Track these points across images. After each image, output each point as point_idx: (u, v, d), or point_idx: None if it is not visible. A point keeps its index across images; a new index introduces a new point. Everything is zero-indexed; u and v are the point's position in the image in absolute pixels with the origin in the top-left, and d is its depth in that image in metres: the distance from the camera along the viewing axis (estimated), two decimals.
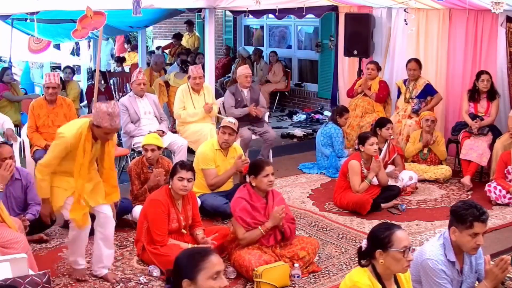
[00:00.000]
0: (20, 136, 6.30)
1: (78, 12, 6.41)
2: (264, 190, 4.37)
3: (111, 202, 4.18)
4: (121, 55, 13.09)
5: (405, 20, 7.60)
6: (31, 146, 5.97)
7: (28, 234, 4.45)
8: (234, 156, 5.59)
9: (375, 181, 5.72)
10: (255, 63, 11.35)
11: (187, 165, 4.44)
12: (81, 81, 11.58)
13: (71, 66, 10.01)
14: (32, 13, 6.24)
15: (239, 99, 7.11)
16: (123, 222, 5.12)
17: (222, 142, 5.56)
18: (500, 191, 5.77)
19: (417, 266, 3.21)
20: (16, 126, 7.14)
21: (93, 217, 4.14)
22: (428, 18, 7.46)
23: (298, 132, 9.14)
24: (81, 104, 9.95)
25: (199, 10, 7.92)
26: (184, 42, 12.66)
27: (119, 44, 14.25)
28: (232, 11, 8.41)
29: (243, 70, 7.22)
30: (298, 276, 4.21)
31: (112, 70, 11.71)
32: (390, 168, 6.19)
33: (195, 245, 4.37)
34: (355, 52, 8.14)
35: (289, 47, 12.13)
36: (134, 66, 10.95)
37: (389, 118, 6.76)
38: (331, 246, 4.84)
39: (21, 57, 10.69)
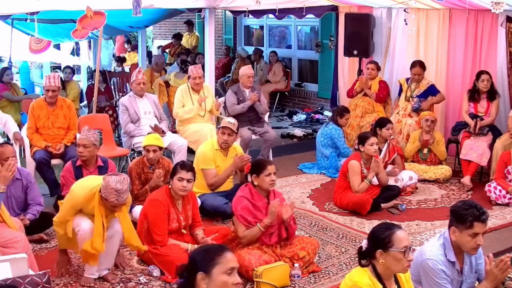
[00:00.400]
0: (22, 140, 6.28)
1: (78, 12, 6.42)
2: (266, 189, 4.37)
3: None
4: (121, 55, 13.09)
5: (405, 20, 7.60)
6: (31, 146, 5.96)
7: (28, 234, 4.45)
8: (234, 156, 5.59)
9: (375, 181, 5.72)
10: (255, 63, 11.34)
11: (187, 166, 4.43)
12: (81, 81, 11.58)
13: (71, 66, 10.01)
14: (32, 13, 6.24)
15: (241, 98, 7.11)
16: None
17: (222, 142, 5.56)
18: (500, 191, 5.77)
19: (417, 266, 3.22)
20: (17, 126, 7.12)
21: None
22: (428, 18, 7.46)
23: (298, 132, 9.14)
24: (81, 104, 9.95)
25: (199, 10, 7.92)
26: (184, 42, 12.66)
27: (119, 44, 14.25)
28: (232, 11, 8.41)
29: (245, 70, 7.22)
30: (298, 276, 4.21)
31: (112, 70, 11.70)
32: (390, 168, 6.19)
33: (196, 246, 4.37)
34: (355, 52, 8.14)
35: (289, 47, 12.13)
36: (134, 66, 10.95)
37: (389, 118, 6.76)
38: (331, 246, 4.84)
39: (21, 57, 10.69)
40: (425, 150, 6.71)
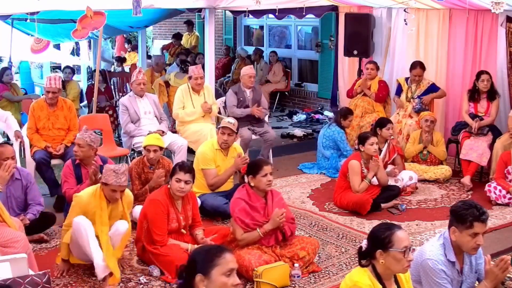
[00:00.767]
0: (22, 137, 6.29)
1: (78, 12, 6.42)
2: (263, 190, 4.36)
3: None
4: (122, 55, 13.09)
5: (405, 20, 7.60)
6: (31, 146, 5.96)
7: (28, 234, 4.45)
8: (235, 156, 5.59)
9: (375, 181, 5.72)
10: (255, 63, 11.34)
11: (186, 167, 4.41)
12: (81, 81, 11.58)
13: (71, 66, 10.01)
14: (32, 13, 6.23)
15: (241, 99, 7.11)
16: None
17: (222, 142, 5.56)
18: (500, 191, 5.77)
19: (417, 266, 3.21)
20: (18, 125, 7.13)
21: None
22: (428, 18, 7.46)
23: (298, 132, 9.14)
24: (81, 104, 9.95)
25: (199, 10, 7.92)
26: (184, 42, 12.66)
27: (119, 44, 14.25)
28: (232, 11, 8.40)
29: (247, 70, 7.22)
30: (298, 276, 4.21)
31: (112, 70, 11.70)
32: (390, 168, 6.19)
33: (195, 246, 4.37)
34: (355, 52, 8.14)
35: (289, 47, 12.13)
36: (134, 66, 10.95)
37: (389, 118, 6.76)
38: (331, 246, 4.83)
39: (22, 57, 10.70)
40: (425, 151, 6.71)
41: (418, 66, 7.11)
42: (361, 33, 8.01)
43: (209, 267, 2.35)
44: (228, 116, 6.82)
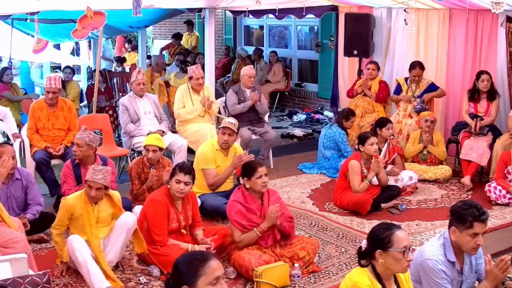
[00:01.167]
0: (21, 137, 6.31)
1: (78, 12, 6.42)
2: (259, 191, 4.35)
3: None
4: (122, 55, 13.09)
5: (405, 20, 7.60)
6: (31, 146, 5.96)
7: (28, 234, 4.45)
8: (233, 156, 5.59)
9: (375, 181, 5.72)
10: (255, 62, 11.35)
11: (186, 168, 4.40)
12: (81, 81, 11.58)
13: (71, 66, 10.01)
14: (32, 13, 6.24)
15: (241, 98, 7.10)
16: None
17: (222, 142, 5.56)
18: (500, 191, 5.77)
19: (417, 266, 3.21)
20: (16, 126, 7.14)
21: None
22: (428, 18, 7.46)
23: (298, 132, 9.13)
24: (81, 104, 9.95)
25: (199, 10, 7.92)
26: (184, 42, 12.66)
27: (119, 44, 14.25)
28: (232, 11, 8.41)
29: (247, 70, 7.21)
30: (298, 276, 4.21)
31: (113, 70, 11.70)
32: (390, 168, 6.19)
33: (196, 246, 4.38)
34: (355, 52, 8.14)
35: (289, 47, 12.13)
36: (134, 66, 10.96)
37: (389, 118, 6.76)
38: (331, 246, 4.83)
39: (22, 57, 10.70)
40: (425, 151, 6.71)
41: (417, 66, 7.11)
42: (361, 33, 8.01)
43: (194, 277, 2.28)
44: (228, 116, 6.82)
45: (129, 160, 6.43)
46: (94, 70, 9.09)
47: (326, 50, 10.65)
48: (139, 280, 4.22)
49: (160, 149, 5.32)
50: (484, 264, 3.25)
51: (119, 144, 7.17)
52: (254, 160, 5.21)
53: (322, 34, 10.82)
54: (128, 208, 5.13)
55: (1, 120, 6.53)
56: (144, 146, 5.35)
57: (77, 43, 12.62)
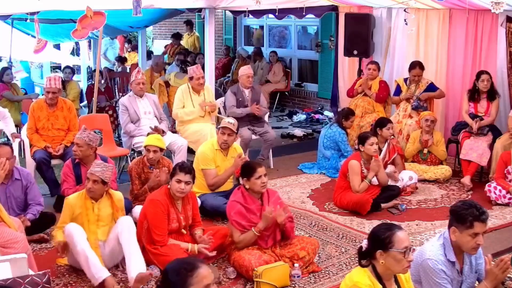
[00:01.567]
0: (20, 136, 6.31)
1: (78, 12, 6.42)
2: (258, 192, 4.35)
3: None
4: (123, 55, 13.09)
5: (405, 20, 7.60)
6: (31, 146, 5.96)
7: (28, 234, 4.45)
8: (234, 156, 5.59)
9: (375, 181, 5.72)
10: (257, 61, 11.35)
11: (186, 168, 4.40)
12: (81, 81, 11.58)
13: (71, 66, 10.01)
14: (32, 13, 6.24)
15: (240, 99, 7.10)
16: None
17: (221, 142, 5.56)
18: (500, 191, 5.77)
19: (417, 266, 3.21)
20: (16, 126, 7.15)
21: None
22: (428, 18, 7.46)
23: (298, 132, 9.13)
24: (81, 104, 9.95)
25: (199, 10, 7.92)
26: (183, 42, 12.65)
27: (120, 44, 14.24)
28: (232, 11, 8.41)
29: (245, 71, 7.21)
30: (298, 276, 4.21)
31: (119, 70, 11.69)
32: (390, 168, 6.19)
33: (195, 246, 4.37)
34: (355, 52, 8.14)
35: (289, 47, 12.13)
36: (134, 66, 10.95)
37: (389, 118, 6.76)
38: (331, 246, 4.83)
39: (22, 57, 10.70)
40: (425, 151, 6.71)
41: (417, 66, 7.11)
42: (361, 33, 8.01)
43: (184, 287, 2.26)
44: (227, 116, 6.82)
45: (129, 160, 6.43)
46: (94, 70, 9.09)
47: (326, 50, 10.65)
48: None
49: (161, 149, 5.32)
50: (484, 264, 3.25)
51: (119, 144, 7.17)
52: (254, 161, 5.22)
53: (322, 34, 10.82)
54: (128, 208, 5.15)
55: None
56: (145, 146, 5.35)
57: (77, 43, 12.61)
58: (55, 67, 13.17)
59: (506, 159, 5.82)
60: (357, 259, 3.03)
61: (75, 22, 6.51)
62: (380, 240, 2.84)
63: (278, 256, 4.29)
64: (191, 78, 6.88)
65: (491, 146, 6.32)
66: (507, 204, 5.75)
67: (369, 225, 5.17)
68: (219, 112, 7.30)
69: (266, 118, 7.42)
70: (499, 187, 5.78)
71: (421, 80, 7.15)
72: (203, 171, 5.52)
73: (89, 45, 12.63)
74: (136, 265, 4.01)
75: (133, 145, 6.50)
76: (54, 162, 5.94)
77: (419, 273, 3.22)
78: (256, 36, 13.08)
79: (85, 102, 10.13)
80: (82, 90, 10.14)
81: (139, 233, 4.46)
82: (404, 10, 7.59)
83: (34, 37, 7.78)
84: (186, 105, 6.87)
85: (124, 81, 10.11)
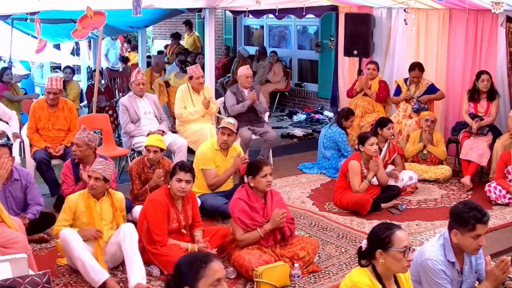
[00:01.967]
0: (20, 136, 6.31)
1: (78, 12, 6.42)
2: (263, 190, 4.36)
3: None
4: (124, 55, 13.09)
5: (405, 20, 7.60)
6: (31, 146, 5.96)
7: (28, 234, 4.45)
8: (234, 156, 5.59)
9: (375, 181, 5.72)
10: (260, 60, 11.34)
11: (186, 167, 4.41)
12: (81, 81, 11.59)
13: (71, 66, 10.01)
14: (32, 13, 6.24)
15: (240, 99, 7.10)
16: None
17: (221, 142, 5.56)
18: (500, 191, 5.77)
19: (417, 266, 3.21)
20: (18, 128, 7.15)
21: None
22: (428, 18, 7.46)
23: (298, 132, 9.13)
24: (81, 104, 9.96)
25: (199, 10, 7.91)
26: (183, 42, 12.65)
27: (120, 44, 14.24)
28: (232, 11, 8.40)
29: (244, 71, 7.21)
30: (298, 276, 4.21)
31: (121, 70, 11.69)
32: (390, 168, 6.19)
33: (195, 246, 4.37)
34: (355, 52, 8.14)
35: (289, 47, 12.13)
36: (134, 66, 10.95)
37: (390, 118, 6.76)
38: (331, 246, 4.83)
39: (22, 57, 10.70)
40: (425, 151, 6.71)
41: (416, 67, 7.10)
42: (361, 33, 8.00)
43: (195, 279, 2.28)
44: (228, 116, 6.82)
45: (129, 160, 6.43)
46: (94, 70, 9.08)
47: (326, 50, 10.65)
48: None
49: (161, 150, 5.32)
50: (485, 264, 3.25)
51: (119, 144, 7.17)
52: (260, 159, 5.22)
53: (322, 34, 10.82)
54: (128, 208, 5.15)
55: (6, 122, 6.52)
56: (145, 147, 5.35)
57: (77, 43, 12.61)
58: (55, 67, 13.17)
59: (506, 159, 5.82)
60: (357, 259, 3.03)
61: (75, 22, 6.51)
62: (380, 239, 2.84)
63: (278, 256, 4.29)
64: (190, 78, 6.88)
65: (491, 146, 6.32)
66: (507, 204, 5.75)
67: (369, 225, 5.17)
68: (219, 112, 7.30)
69: (266, 118, 7.42)
70: (499, 187, 5.78)
71: (421, 81, 7.15)
72: (203, 171, 5.52)
73: (89, 45, 12.62)
74: (136, 274, 4.00)
75: (133, 145, 6.50)
76: (54, 162, 5.94)
77: (419, 273, 3.22)
78: (256, 36, 13.08)
79: (85, 102, 10.13)
80: (82, 90, 10.14)
81: (139, 233, 4.47)
82: (404, 10, 7.59)
83: (34, 37, 7.79)
84: (186, 105, 6.87)
85: (124, 81, 10.11)
